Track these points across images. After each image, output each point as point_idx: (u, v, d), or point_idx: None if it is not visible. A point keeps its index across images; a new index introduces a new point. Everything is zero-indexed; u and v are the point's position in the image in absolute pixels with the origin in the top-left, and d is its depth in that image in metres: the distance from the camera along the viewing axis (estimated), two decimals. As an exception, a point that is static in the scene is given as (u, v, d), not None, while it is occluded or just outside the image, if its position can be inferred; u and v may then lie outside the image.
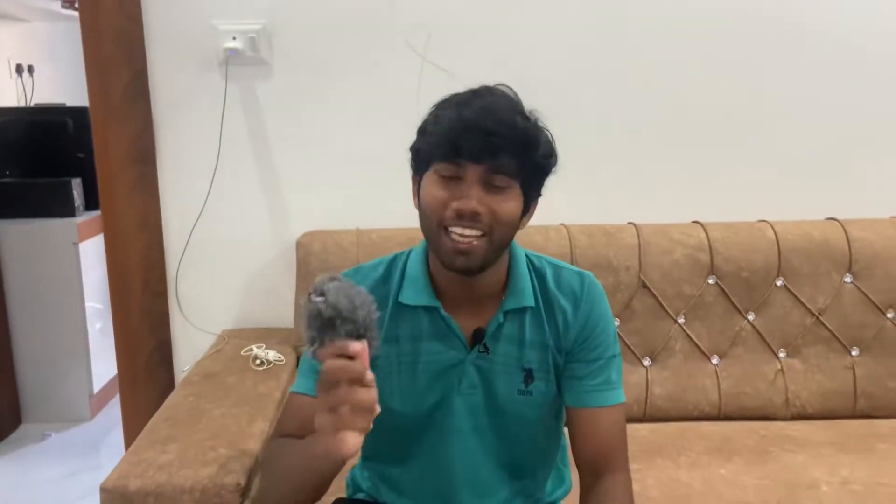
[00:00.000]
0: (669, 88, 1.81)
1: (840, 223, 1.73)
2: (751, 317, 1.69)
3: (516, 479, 1.08)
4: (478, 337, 1.01)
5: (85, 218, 2.68)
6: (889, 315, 1.69)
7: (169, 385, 1.85)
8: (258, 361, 1.59)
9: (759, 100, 1.83)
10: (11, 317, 2.64)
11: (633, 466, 1.03)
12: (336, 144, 1.78)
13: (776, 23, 1.79)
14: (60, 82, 3.54)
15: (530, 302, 1.01)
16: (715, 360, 1.68)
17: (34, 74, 3.41)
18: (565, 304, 1.02)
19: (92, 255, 2.66)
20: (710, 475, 1.41)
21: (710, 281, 1.68)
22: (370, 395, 0.72)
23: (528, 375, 1.02)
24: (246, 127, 1.76)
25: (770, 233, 1.70)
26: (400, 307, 1.02)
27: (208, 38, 1.71)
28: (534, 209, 0.99)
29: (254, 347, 1.64)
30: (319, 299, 0.71)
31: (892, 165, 1.88)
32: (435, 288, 1.01)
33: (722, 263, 1.67)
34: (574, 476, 1.13)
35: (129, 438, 1.83)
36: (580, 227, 1.71)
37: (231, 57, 1.70)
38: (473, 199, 0.90)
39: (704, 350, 1.68)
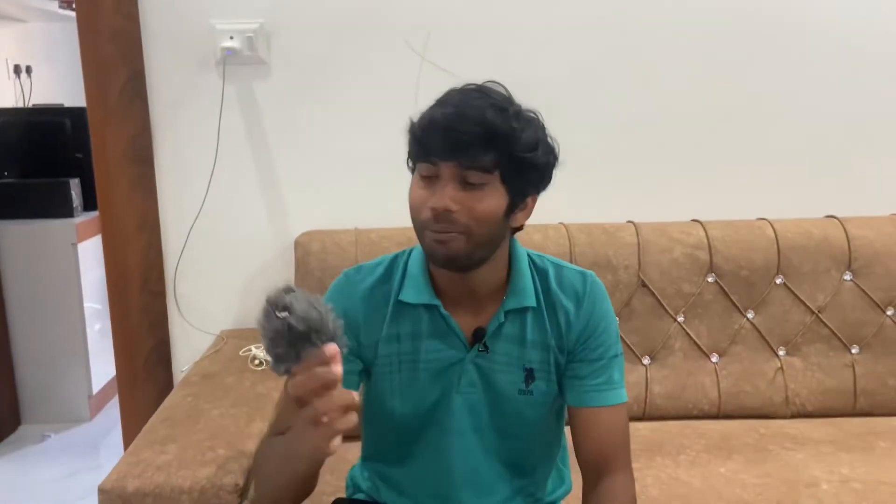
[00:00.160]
0: (669, 87, 1.80)
1: (839, 221, 1.73)
2: (750, 315, 1.68)
3: (516, 477, 1.07)
4: (478, 336, 1.01)
5: (83, 218, 2.68)
6: (889, 313, 1.69)
7: (168, 385, 1.85)
8: (257, 362, 1.59)
9: (758, 98, 1.82)
10: (10, 318, 2.64)
11: (632, 465, 1.03)
12: (334, 144, 1.78)
13: (775, 22, 1.79)
14: (58, 83, 3.54)
15: (531, 302, 1.01)
16: (714, 359, 1.68)
17: (32, 75, 3.41)
18: (567, 303, 1.02)
19: (91, 255, 2.66)
20: (709, 474, 1.41)
21: (710, 279, 1.67)
22: (349, 394, 0.73)
23: (529, 375, 1.02)
24: (244, 127, 1.76)
25: (769, 231, 1.69)
26: (400, 305, 1.02)
27: (206, 37, 1.70)
28: (531, 205, 0.98)
29: (252, 348, 1.63)
30: (284, 315, 0.70)
31: (891, 163, 1.88)
32: (435, 287, 1.01)
33: (721, 262, 1.67)
34: (574, 477, 1.13)
35: (128, 439, 1.83)
36: (579, 225, 1.70)
37: (229, 56, 1.69)
38: (446, 197, 0.90)
39: (704, 348, 1.68)
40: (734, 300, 1.67)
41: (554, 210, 1.61)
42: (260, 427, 1.31)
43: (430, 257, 0.96)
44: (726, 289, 1.67)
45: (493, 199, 0.91)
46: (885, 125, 1.86)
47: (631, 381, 1.64)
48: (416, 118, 0.93)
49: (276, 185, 1.79)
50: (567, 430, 1.07)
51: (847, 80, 1.83)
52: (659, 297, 1.66)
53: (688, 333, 1.68)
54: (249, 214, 1.80)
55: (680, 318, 1.67)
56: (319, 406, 0.71)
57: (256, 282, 1.82)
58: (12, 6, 3.20)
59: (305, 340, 0.70)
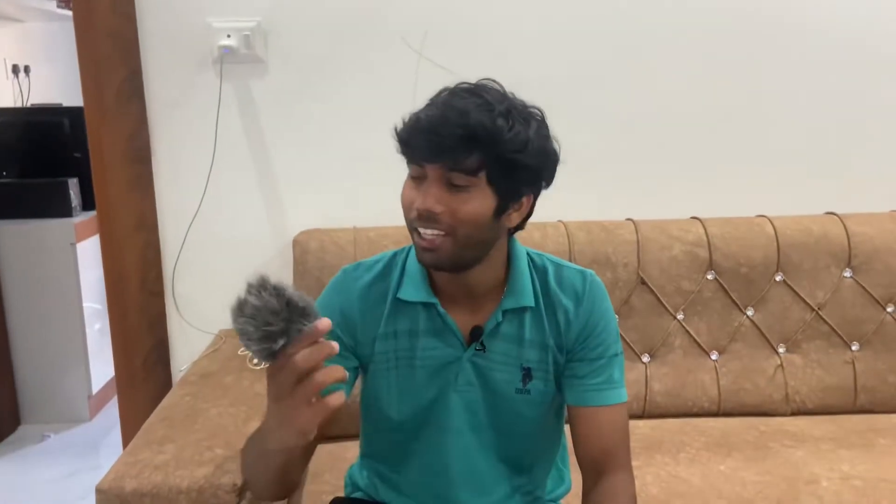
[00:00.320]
0: (668, 85, 1.80)
1: (839, 217, 1.73)
2: (750, 312, 1.68)
3: (515, 476, 1.07)
4: (475, 335, 1.00)
5: (82, 218, 2.68)
6: (889, 309, 1.69)
7: (166, 385, 1.84)
8: (255, 361, 1.58)
9: (757, 96, 1.82)
10: (9, 318, 2.64)
11: (632, 463, 1.03)
12: (333, 142, 1.78)
13: (774, 20, 1.79)
14: (57, 82, 3.53)
15: (530, 302, 1.00)
16: (714, 356, 1.68)
17: (30, 75, 3.41)
18: (567, 302, 1.01)
19: (89, 255, 2.66)
20: (709, 471, 1.41)
21: (709, 276, 1.67)
22: (340, 368, 0.74)
23: (527, 374, 1.01)
24: (241, 125, 1.76)
25: (769, 228, 1.69)
26: (398, 303, 1.02)
27: (203, 36, 1.70)
28: (527, 205, 0.97)
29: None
30: (282, 291, 0.71)
31: (890, 160, 1.87)
32: (433, 285, 1.01)
33: (721, 259, 1.66)
34: (574, 476, 1.12)
35: (128, 438, 1.83)
36: (578, 223, 1.70)
37: (226, 55, 1.69)
38: (430, 198, 0.89)
39: (703, 346, 1.67)
40: (734, 297, 1.67)
41: (553, 208, 1.60)
42: (257, 426, 1.30)
43: (419, 260, 0.96)
44: (726, 286, 1.67)
45: (478, 200, 0.90)
46: (885, 122, 1.86)
47: (631, 378, 1.64)
48: (406, 118, 0.93)
49: (274, 184, 1.79)
50: (567, 428, 1.07)
51: (847, 78, 1.83)
52: (658, 295, 1.66)
53: (687, 331, 1.67)
54: (247, 213, 1.80)
55: (679, 316, 1.67)
56: (320, 378, 0.72)
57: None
58: (10, 6, 3.20)
59: (303, 315, 0.71)
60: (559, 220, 1.71)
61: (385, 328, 1.02)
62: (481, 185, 0.90)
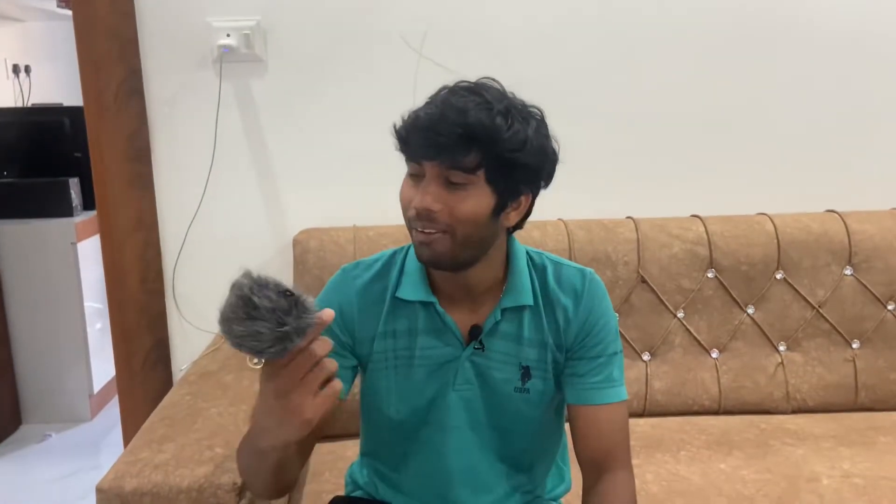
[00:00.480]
0: (667, 83, 1.80)
1: (839, 215, 1.72)
2: (750, 310, 1.68)
3: (514, 474, 1.07)
4: (474, 334, 1.00)
5: (83, 217, 2.68)
6: (889, 307, 1.68)
7: (167, 384, 1.84)
8: (255, 360, 1.58)
9: (757, 93, 1.82)
10: (11, 317, 2.64)
11: (632, 461, 1.03)
12: (332, 141, 1.77)
13: (774, 17, 1.78)
14: (57, 82, 3.53)
15: (529, 300, 1.00)
16: (714, 354, 1.68)
17: (31, 74, 3.41)
18: (566, 301, 1.01)
19: (90, 254, 2.66)
20: (710, 469, 1.41)
21: (710, 275, 1.67)
22: (333, 361, 0.76)
23: (526, 373, 1.01)
24: (241, 125, 1.75)
25: (769, 226, 1.69)
26: (397, 302, 1.02)
27: (202, 35, 1.70)
28: (525, 204, 0.96)
29: (252, 346, 1.63)
30: (285, 289, 0.70)
31: (891, 157, 1.87)
32: (432, 284, 1.01)
33: (721, 257, 1.66)
34: (574, 474, 1.12)
35: (128, 438, 1.83)
36: (578, 221, 1.70)
37: (225, 54, 1.69)
38: (428, 196, 0.89)
39: (704, 344, 1.67)
40: (734, 295, 1.67)
41: (553, 206, 1.60)
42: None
43: (418, 257, 0.96)
44: (726, 284, 1.67)
45: (476, 198, 0.90)
46: (885, 119, 1.86)
47: (631, 377, 1.64)
48: (404, 116, 0.93)
49: (273, 183, 1.79)
50: (567, 427, 1.06)
51: (847, 76, 1.82)
52: (658, 293, 1.65)
53: (688, 329, 1.67)
54: (247, 212, 1.80)
55: (680, 314, 1.67)
56: (330, 365, 0.75)
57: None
58: (11, 6, 3.20)
59: (308, 310, 0.71)
60: (559, 219, 1.71)
61: (384, 327, 1.02)
62: (479, 184, 0.89)
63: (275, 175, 1.79)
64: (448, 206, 0.89)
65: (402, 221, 0.96)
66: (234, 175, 1.77)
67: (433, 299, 1.00)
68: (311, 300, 0.72)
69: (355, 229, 1.68)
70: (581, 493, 1.01)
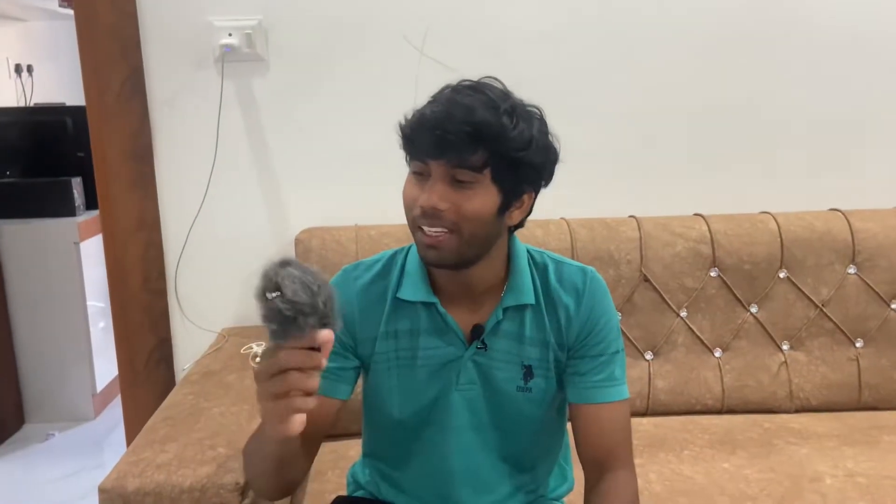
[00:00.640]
0: (670, 81, 1.79)
1: (843, 214, 1.72)
2: (754, 309, 1.67)
3: (517, 474, 1.07)
4: (476, 333, 1.00)
5: (85, 217, 2.68)
6: (893, 306, 1.68)
7: (169, 383, 1.84)
8: (258, 359, 1.58)
9: (760, 91, 1.81)
10: (13, 317, 2.64)
11: (635, 461, 1.03)
12: (334, 140, 1.77)
13: (777, 14, 1.78)
14: (60, 81, 3.54)
15: (530, 299, 1.00)
16: (718, 353, 1.67)
17: (33, 74, 3.41)
18: (567, 299, 1.01)
19: (93, 254, 2.67)
20: (713, 469, 1.41)
21: (713, 273, 1.66)
22: (314, 381, 0.74)
23: (528, 372, 1.01)
24: (243, 124, 1.75)
25: (772, 224, 1.68)
26: (398, 303, 1.01)
27: (204, 34, 1.69)
28: (528, 203, 0.97)
29: (254, 345, 1.63)
30: (275, 296, 0.70)
31: (895, 155, 1.86)
32: (433, 284, 1.01)
33: (724, 256, 1.66)
34: (577, 474, 1.12)
35: (131, 437, 1.83)
36: (581, 220, 1.70)
37: (227, 53, 1.68)
38: (435, 195, 0.89)
39: (707, 343, 1.67)
40: (737, 294, 1.66)
41: (555, 205, 1.60)
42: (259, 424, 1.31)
43: (422, 258, 0.96)
44: (729, 283, 1.66)
45: (483, 197, 0.90)
46: (889, 118, 1.85)
47: (634, 376, 1.63)
48: (409, 115, 0.93)
49: (275, 183, 1.79)
50: (569, 426, 1.06)
51: (851, 73, 1.82)
52: (661, 292, 1.65)
53: (691, 328, 1.67)
54: (249, 212, 1.79)
55: (683, 313, 1.66)
56: (291, 381, 0.72)
57: (257, 279, 1.81)
58: (13, 5, 3.21)
59: (293, 323, 0.70)
60: (561, 218, 1.71)
61: (385, 328, 1.02)
62: (486, 183, 0.90)
63: (277, 174, 1.79)
64: (455, 204, 0.89)
65: (404, 221, 0.96)
66: (236, 174, 1.77)
67: (434, 299, 0.99)
68: (311, 316, 0.71)
69: (357, 228, 1.68)
70: (583, 492, 1.01)
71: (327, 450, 1.46)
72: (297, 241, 1.68)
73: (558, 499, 1.14)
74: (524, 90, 0.94)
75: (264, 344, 1.64)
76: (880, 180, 1.85)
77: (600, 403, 0.99)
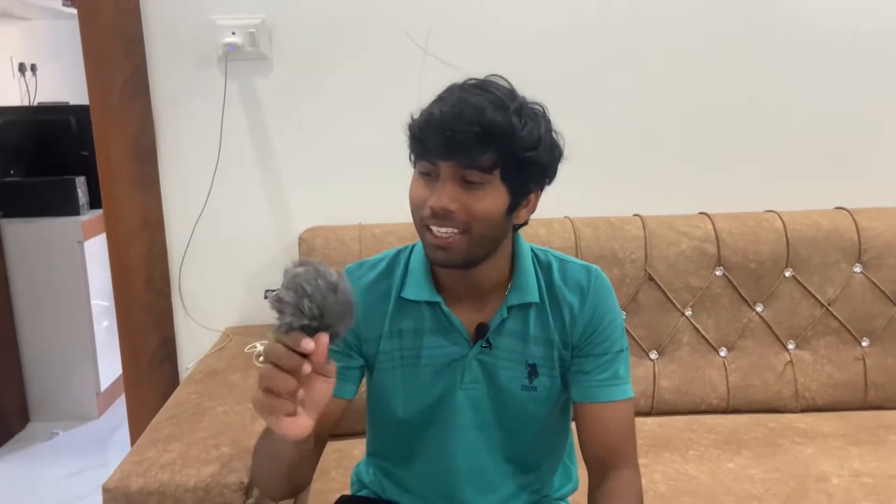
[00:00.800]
0: (675, 80, 1.79)
1: (849, 212, 1.71)
2: (759, 308, 1.67)
3: (521, 473, 1.07)
4: (481, 332, 1.00)
5: (89, 216, 2.69)
6: (899, 305, 1.67)
7: (173, 382, 1.85)
8: (262, 358, 1.58)
9: (765, 89, 1.80)
10: (18, 316, 2.65)
11: (640, 461, 1.02)
12: (337, 139, 1.77)
13: (782, 12, 1.77)
14: (63, 80, 3.54)
15: (534, 298, 1.00)
16: (723, 353, 1.67)
17: (37, 73, 3.41)
18: (571, 298, 1.01)
19: (97, 253, 2.67)
20: (718, 469, 1.40)
21: (718, 272, 1.66)
22: (293, 382, 0.74)
23: (532, 371, 1.01)
24: (247, 123, 1.75)
25: (778, 223, 1.68)
26: (402, 302, 1.01)
27: (207, 33, 1.69)
28: (534, 202, 0.97)
29: (257, 344, 1.63)
30: (271, 291, 0.73)
31: (901, 153, 1.86)
32: (437, 283, 1.00)
33: (729, 255, 1.65)
34: (581, 473, 1.12)
35: (135, 435, 1.83)
36: (585, 219, 1.69)
37: (230, 52, 1.68)
38: (445, 196, 0.88)
39: (712, 342, 1.66)
40: (742, 293, 1.66)
41: (559, 204, 1.60)
42: (264, 424, 1.30)
43: (431, 259, 0.95)
44: (734, 282, 1.66)
45: (493, 197, 0.90)
46: (894, 117, 1.84)
47: (638, 375, 1.63)
48: (416, 114, 0.92)
49: (279, 182, 1.79)
50: (573, 425, 1.06)
51: (857, 71, 1.81)
52: (666, 291, 1.64)
53: (696, 327, 1.66)
54: (253, 211, 1.79)
55: (688, 312, 1.66)
56: (268, 379, 0.74)
57: (261, 278, 1.81)
58: (17, 4, 3.21)
59: (290, 327, 0.72)
60: (565, 216, 1.70)
61: (390, 327, 1.01)
62: (495, 183, 0.89)
63: (280, 173, 1.78)
64: (465, 205, 0.89)
65: (408, 219, 0.95)
66: (240, 173, 1.77)
67: (438, 299, 0.99)
68: (310, 326, 0.72)
69: (361, 227, 1.67)
70: (587, 491, 1.01)
71: (331, 449, 1.46)
72: (301, 240, 1.67)
73: (563, 498, 1.14)
74: (527, 89, 0.94)
75: (267, 342, 1.64)
76: (887, 178, 1.85)
77: (604, 402, 0.99)
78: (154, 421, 1.32)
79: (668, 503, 1.31)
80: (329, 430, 0.99)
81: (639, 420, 1.06)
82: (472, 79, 0.92)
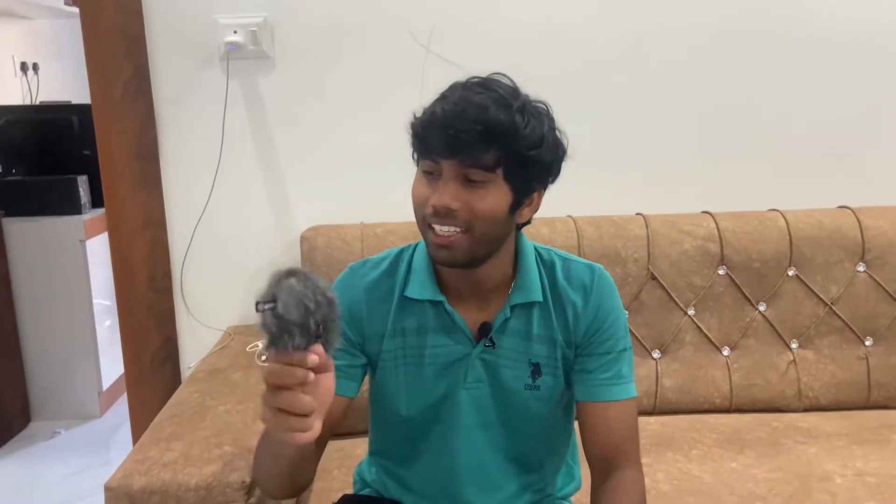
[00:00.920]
0: (678, 78, 1.78)
1: (852, 211, 1.70)
2: (762, 307, 1.66)
3: (524, 473, 1.06)
4: (484, 331, 1.00)
5: (91, 215, 2.69)
6: (903, 304, 1.67)
7: (175, 382, 1.84)
8: (263, 358, 1.58)
9: (769, 88, 1.80)
10: (19, 315, 2.65)
11: (643, 460, 1.02)
12: (339, 138, 1.77)
13: (785, 10, 1.76)
14: (65, 79, 3.54)
15: (538, 297, 0.99)
16: (726, 352, 1.66)
17: (39, 72, 3.41)
18: (575, 297, 1.00)
19: (99, 252, 2.67)
20: (721, 468, 1.40)
21: (721, 272, 1.65)
22: (310, 403, 0.71)
23: (536, 370, 1.01)
24: (248, 122, 1.75)
25: (781, 222, 1.67)
26: (405, 301, 1.01)
27: (209, 32, 1.69)
28: (537, 201, 0.97)
29: (259, 343, 1.63)
30: (267, 308, 0.69)
31: (905, 152, 1.85)
32: (440, 282, 1.00)
33: (732, 254, 1.65)
34: (584, 473, 1.11)
35: (137, 435, 1.83)
36: (587, 218, 1.69)
37: (232, 51, 1.68)
38: (447, 195, 0.88)
39: (715, 342, 1.66)
40: (745, 293, 1.65)
41: (562, 203, 1.59)
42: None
43: (433, 258, 0.95)
44: (737, 281, 1.65)
45: (495, 196, 0.89)
46: (899, 114, 1.84)
47: (641, 374, 1.63)
48: (419, 113, 0.92)
49: (281, 181, 1.78)
50: (576, 425, 1.06)
51: (861, 70, 1.80)
52: (669, 290, 1.64)
53: (698, 326, 1.66)
54: (255, 210, 1.79)
55: (690, 311, 1.65)
56: (281, 399, 0.71)
57: (263, 277, 1.79)
58: (19, 4, 3.21)
59: (278, 339, 0.69)
60: (568, 215, 1.70)
61: (393, 326, 1.01)
62: (498, 182, 0.89)
63: (282, 172, 1.78)
64: (467, 204, 0.89)
65: (410, 218, 0.95)
66: (242, 172, 1.77)
67: (441, 298, 0.99)
68: (298, 336, 0.69)
69: (363, 226, 1.67)
70: (590, 491, 1.00)
71: (333, 448, 1.46)
72: (303, 240, 1.67)
73: (566, 498, 1.14)
74: (530, 87, 0.93)
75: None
76: (890, 177, 1.84)
77: (607, 401, 0.99)
78: (156, 420, 1.32)
79: (671, 503, 1.30)
80: (331, 429, 0.99)
81: (641, 419, 1.06)
82: (474, 77, 0.92)
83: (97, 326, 2.72)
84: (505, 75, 0.93)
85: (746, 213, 1.71)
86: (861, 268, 1.66)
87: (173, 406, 1.38)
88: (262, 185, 1.78)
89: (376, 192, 1.75)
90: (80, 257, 2.64)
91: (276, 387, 0.71)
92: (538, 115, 0.90)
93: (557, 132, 0.94)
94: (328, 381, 0.76)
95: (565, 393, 1.03)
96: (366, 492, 1.15)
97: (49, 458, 2.47)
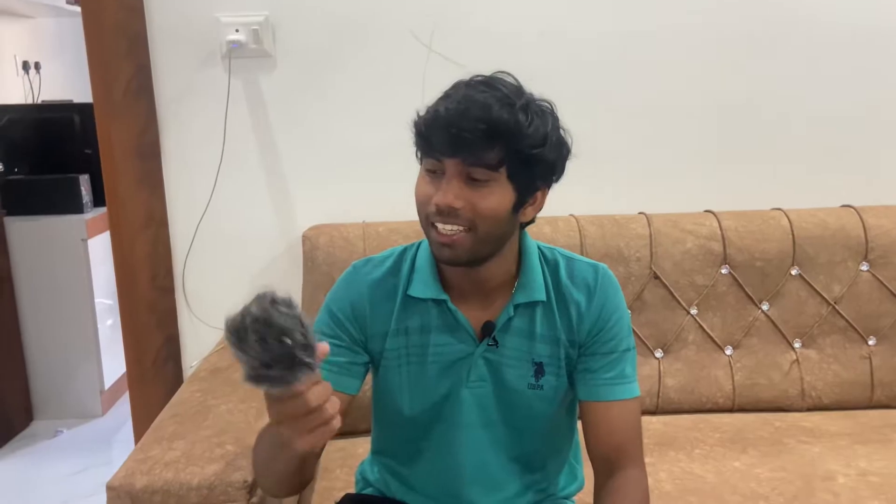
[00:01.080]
0: (681, 76, 1.78)
1: (856, 210, 1.70)
2: (765, 307, 1.66)
3: (527, 472, 1.06)
4: (487, 330, 0.99)
5: (93, 214, 2.69)
6: (906, 303, 1.66)
7: (177, 380, 1.84)
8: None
9: (771, 87, 1.79)
10: (21, 314, 2.65)
11: (645, 460, 1.02)
12: (341, 137, 1.77)
13: (788, 8, 1.76)
14: (67, 78, 3.54)
15: (541, 296, 0.99)
16: (729, 351, 1.66)
17: (41, 71, 3.41)
18: (578, 296, 1.00)
19: (101, 251, 2.67)
20: (724, 468, 1.40)
21: (724, 271, 1.65)
22: (337, 402, 0.72)
23: (539, 369, 1.00)
24: (250, 121, 1.75)
25: (784, 221, 1.67)
26: (409, 299, 1.01)
27: (211, 30, 1.69)
28: (540, 200, 0.96)
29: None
30: (260, 372, 0.66)
31: (908, 151, 1.85)
32: (443, 280, 1.00)
33: (735, 253, 1.64)
34: (587, 472, 1.11)
35: (139, 434, 1.83)
36: (590, 217, 1.68)
37: (234, 50, 1.68)
38: (450, 193, 0.88)
39: (718, 341, 1.66)
40: (748, 292, 1.65)
41: (564, 202, 1.59)
42: (267, 422, 1.30)
43: (436, 256, 0.95)
44: (740, 280, 1.65)
45: (498, 195, 0.89)
46: (902, 114, 1.83)
47: (644, 374, 1.62)
48: (422, 111, 0.92)
49: (283, 180, 1.78)
50: (579, 424, 1.05)
51: (863, 69, 1.80)
52: (672, 290, 1.64)
53: (701, 326, 1.65)
54: (257, 209, 1.79)
55: (693, 311, 1.65)
56: (331, 410, 0.71)
57: (265, 276, 1.81)
58: (21, 2, 3.21)
59: (289, 377, 0.67)
60: (570, 214, 1.70)
61: (396, 324, 1.01)
62: (501, 180, 0.89)
63: (284, 171, 1.78)
64: (470, 202, 0.88)
65: (412, 217, 0.95)
66: (244, 171, 1.77)
67: (445, 296, 0.99)
68: (313, 344, 0.68)
69: (365, 225, 1.67)
70: (593, 490, 1.00)
71: (335, 447, 1.46)
72: (305, 238, 1.67)
73: (568, 497, 1.14)
74: (532, 86, 0.93)
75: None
76: (893, 176, 1.83)
77: (610, 401, 0.99)
78: (158, 419, 1.32)
79: (674, 502, 1.30)
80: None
81: (644, 419, 1.05)
82: (478, 75, 0.92)
83: (99, 325, 2.72)
84: (509, 74, 0.93)
85: (749, 213, 1.70)
86: (864, 267, 1.66)
87: (175, 405, 1.38)
88: (264, 184, 1.78)
89: (378, 191, 1.75)
90: (82, 256, 2.64)
91: (308, 412, 0.70)
92: (542, 114, 0.90)
93: (562, 131, 0.93)
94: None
95: (568, 392, 1.03)
96: (368, 491, 1.15)
97: (51, 457, 2.47)
